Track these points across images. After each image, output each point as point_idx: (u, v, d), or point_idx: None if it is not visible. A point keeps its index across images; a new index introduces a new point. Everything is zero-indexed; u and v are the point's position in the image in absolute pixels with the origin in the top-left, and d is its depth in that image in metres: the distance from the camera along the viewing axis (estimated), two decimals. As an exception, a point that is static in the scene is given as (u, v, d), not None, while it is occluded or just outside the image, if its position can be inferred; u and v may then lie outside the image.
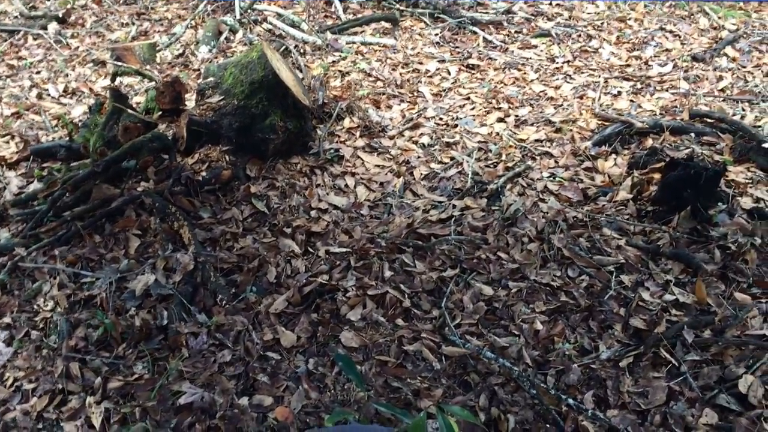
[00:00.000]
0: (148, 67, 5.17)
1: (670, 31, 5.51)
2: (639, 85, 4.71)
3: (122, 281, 3.05)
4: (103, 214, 3.37)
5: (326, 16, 6.12)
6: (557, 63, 5.11)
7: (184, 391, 2.52)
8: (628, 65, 5.02)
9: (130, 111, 3.66)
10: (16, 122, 4.39)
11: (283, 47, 5.27)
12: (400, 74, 5.01)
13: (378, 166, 3.91)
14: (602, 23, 5.72)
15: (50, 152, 3.90)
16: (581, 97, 4.60)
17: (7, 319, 2.90)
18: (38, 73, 5.16)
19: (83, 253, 3.20)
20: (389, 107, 4.54)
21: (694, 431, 2.33)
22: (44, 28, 5.82)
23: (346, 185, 3.75)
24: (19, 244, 3.22)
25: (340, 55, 5.32)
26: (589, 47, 5.34)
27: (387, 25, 5.88)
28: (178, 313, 2.87)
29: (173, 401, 2.50)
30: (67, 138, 3.93)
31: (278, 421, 2.43)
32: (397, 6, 6.16)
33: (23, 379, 2.63)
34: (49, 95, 4.81)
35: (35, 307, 2.97)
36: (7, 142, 4.12)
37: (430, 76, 5.00)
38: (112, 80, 4.80)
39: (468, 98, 4.67)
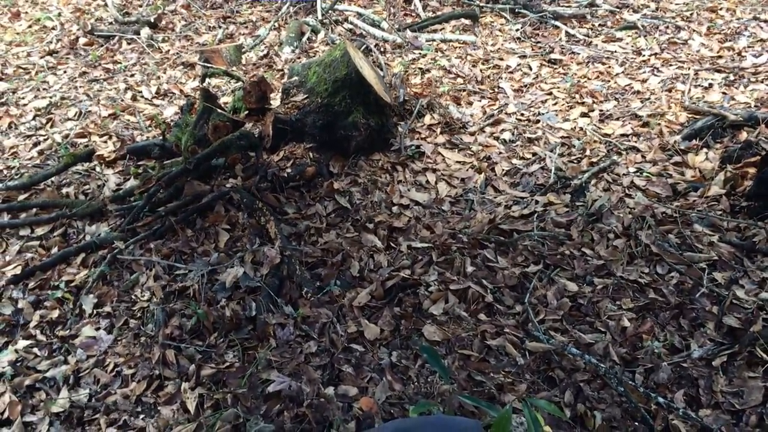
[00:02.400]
0: (234, 68, 5.34)
1: (765, 21, 5.26)
2: (732, 77, 4.52)
3: (213, 273, 3.17)
4: (195, 209, 3.51)
5: (406, 15, 6.16)
6: (644, 56, 4.97)
7: (273, 380, 2.60)
8: (720, 57, 4.82)
9: (219, 110, 3.81)
10: (112, 123, 4.62)
11: (364, 46, 5.34)
12: (481, 71, 4.99)
13: (459, 162, 3.91)
14: (691, 14, 5.53)
15: (145, 151, 4.09)
16: (670, 90, 4.46)
17: (107, 308, 3.06)
18: (132, 75, 5.41)
19: (177, 246, 3.34)
20: (470, 104, 4.53)
21: (793, 435, 2.24)
22: (137, 33, 6.10)
23: (427, 181, 3.77)
24: (118, 238, 3.39)
25: (420, 53, 5.34)
26: (678, 39, 5.16)
27: (467, 21, 5.88)
28: (266, 305, 2.96)
29: (262, 389, 2.59)
30: (161, 137, 4.11)
31: (363, 411, 2.47)
32: (477, 2, 6.14)
33: (123, 364, 2.78)
34: (142, 96, 5.04)
35: (133, 297, 3.12)
36: (105, 142, 4.35)
37: (511, 72, 4.96)
38: (202, 81, 4.99)
39: (550, 93, 4.61)
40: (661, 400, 2.38)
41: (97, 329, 2.96)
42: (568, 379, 2.55)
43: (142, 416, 2.56)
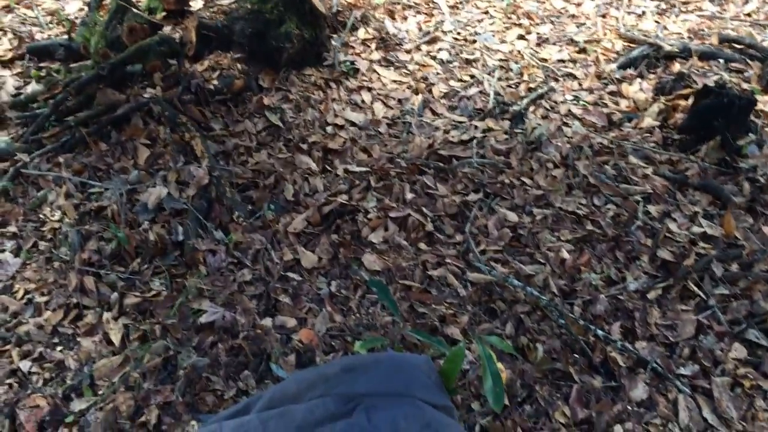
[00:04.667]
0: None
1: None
2: (664, 6, 4.51)
3: (133, 193, 2.92)
4: (109, 120, 3.18)
5: None
6: (579, -22, 4.86)
7: (205, 310, 2.45)
8: (653, -16, 4.80)
9: (135, 10, 3.42)
10: (6, 16, 4.10)
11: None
12: (415, -17, 4.75)
13: (395, 81, 3.74)
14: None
15: (47, 51, 3.65)
16: (604, 16, 4.41)
17: (12, 228, 2.77)
18: (27, -37, 4.81)
19: (89, 161, 3.04)
20: (405, 18, 4.31)
21: (722, 365, 2.33)
22: None
23: (363, 101, 3.59)
24: (21, 149, 3.04)
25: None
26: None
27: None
28: (194, 229, 2.76)
29: (194, 320, 2.43)
30: (66, 36, 3.68)
31: (303, 343, 2.38)
32: None
33: (35, 291, 2.53)
34: (40, -11, 4.50)
35: (41, 216, 2.83)
36: (0, 39, 3.87)
37: (446, -13, 4.75)
38: (109, -25, 4.48)
39: (486, 12, 4.45)
40: (599, 332, 2.42)
41: (2, 251, 2.68)
42: (509, 311, 2.54)
43: (59, 348, 2.36)
